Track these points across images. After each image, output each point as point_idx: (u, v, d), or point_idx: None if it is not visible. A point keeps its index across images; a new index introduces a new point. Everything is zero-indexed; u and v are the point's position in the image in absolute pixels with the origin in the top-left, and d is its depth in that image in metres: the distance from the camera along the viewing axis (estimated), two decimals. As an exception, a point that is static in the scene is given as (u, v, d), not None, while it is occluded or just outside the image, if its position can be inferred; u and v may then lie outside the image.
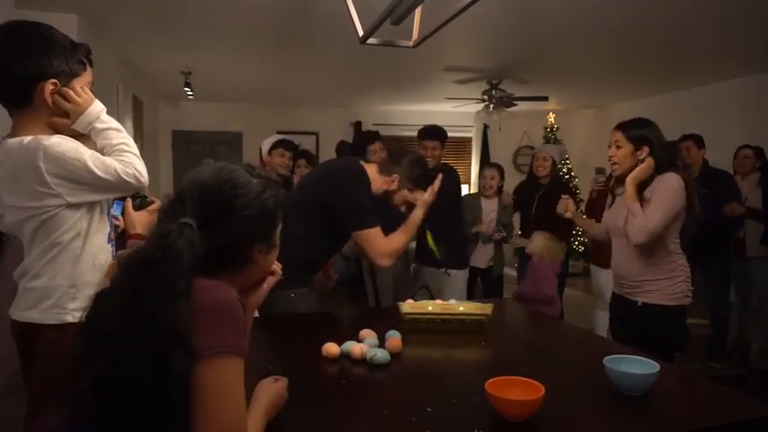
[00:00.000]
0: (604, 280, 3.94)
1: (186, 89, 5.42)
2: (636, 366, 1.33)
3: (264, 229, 1.06)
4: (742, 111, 5.27)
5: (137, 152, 1.46)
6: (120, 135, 1.46)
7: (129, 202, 1.70)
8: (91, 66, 1.49)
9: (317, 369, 1.50)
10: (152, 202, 1.75)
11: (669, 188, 2.04)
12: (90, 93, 1.45)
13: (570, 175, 7.08)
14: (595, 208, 4.05)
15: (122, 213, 1.72)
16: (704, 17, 3.55)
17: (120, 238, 1.69)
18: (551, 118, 7.39)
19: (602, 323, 4.18)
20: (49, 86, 1.34)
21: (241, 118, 7.32)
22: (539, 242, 3.26)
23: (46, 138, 1.30)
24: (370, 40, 1.83)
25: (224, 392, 0.92)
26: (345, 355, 1.54)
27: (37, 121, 1.36)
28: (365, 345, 1.56)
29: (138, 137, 5.45)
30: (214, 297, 0.93)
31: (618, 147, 2.16)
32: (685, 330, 2.26)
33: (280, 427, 1.16)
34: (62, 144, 1.31)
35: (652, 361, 1.34)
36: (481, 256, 3.99)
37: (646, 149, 2.11)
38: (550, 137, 7.32)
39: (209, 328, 0.90)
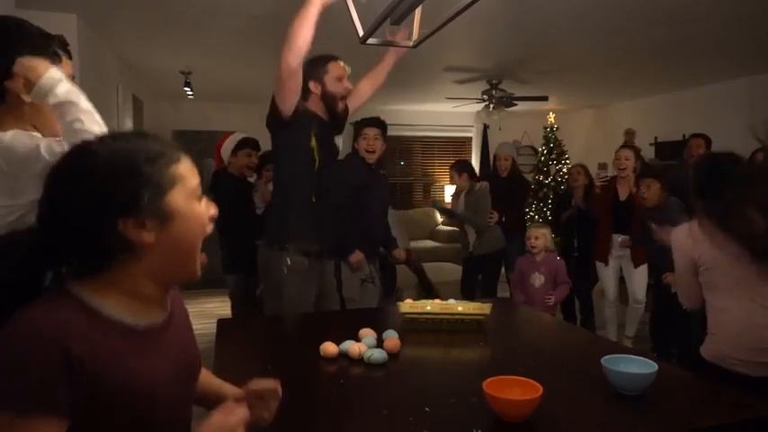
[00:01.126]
0: (606, 275, 4.11)
1: (186, 89, 5.42)
2: (634, 366, 1.33)
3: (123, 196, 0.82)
4: (742, 111, 5.27)
5: (94, 129, 1.26)
6: (74, 110, 1.27)
7: None
8: (69, 58, 1.41)
9: (315, 369, 1.50)
10: None
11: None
12: (47, 63, 1.30)
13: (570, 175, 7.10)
14: (598, 204, 4.07)
15: None
16: (704, 17, 3.55)
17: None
18: (551, 118, 7.40)
19: (610, 319, 4.25)
20: (19, 81, 1.26)
21: (241, 118, 7.32)
22: (545, 230, 3.46)
23: (2, 133, 1.24)
24: (370, 40, 1.83)
25: None
26: (344, 355, 1.54)
27: (13, 118, 1.30)
28: (363, 344, 1.56)
29: (138, 137, 5.45)
30: None
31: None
32: None
33: (279, 427, 1.16)
34: (16, 136, 1.23)
35: (650, 361, 1.34)
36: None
37: None
38: (550, 137, 7.33)
39: None
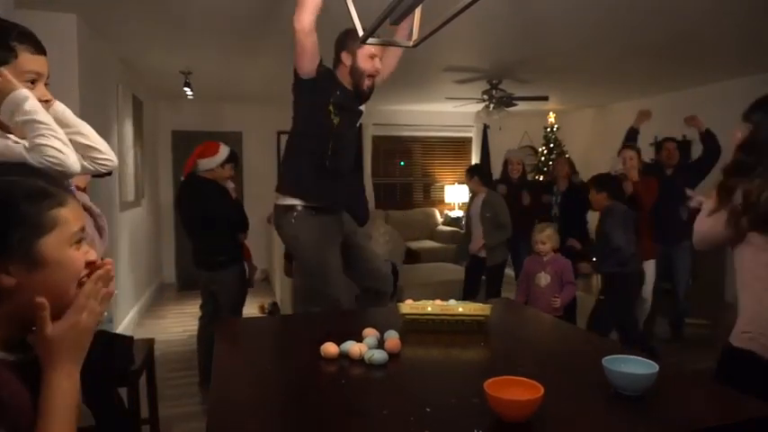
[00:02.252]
0: None
1: (186, 89, 5.43)
2: (634, 366, 1.33)
3: None
4: (742, 111, 5.27)
5: (53, 144, 1.24)
6: (39, 127, 1.23)
7: None
8: (34, 52, 1.27)
9: (315, 369, 1.50)
10: None
11: None
12: (11, 79, 1.24)
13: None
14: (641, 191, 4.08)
15: None
16: (704, 17, 3.55)
17: None
18: (551, 118, 7.40)
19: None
20: None
21: (241, 118, 7.33)
22: (551, 232, 3.51)
23: None
24: (370, 40, 1.83)
25: None
26: (344, 356, 1.54)
27: None
28: (364, 345, 1.56)
29: (138, 137, 5.45)
30: None
31: None
32: None
33: (279, 427, 1.16)
34: None
35: (650, 361, 1.34)
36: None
37: None
38: (551, 136, 7.32)
39: None
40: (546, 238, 3.44)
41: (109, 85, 4.27)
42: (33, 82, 1.25)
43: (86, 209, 1.52)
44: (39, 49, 1.28)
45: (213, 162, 3.49)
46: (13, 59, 1.24)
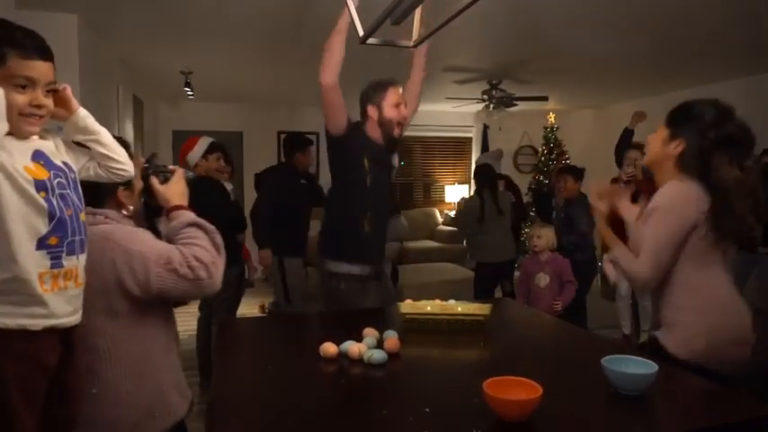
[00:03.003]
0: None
1: (186, 89, 5.42)
2: (634, 366, 1.33)
3: None
4: (742, 111, 5.23)
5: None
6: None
7: (155, 180, 1.58)
8: (29, 58, 1.21)
9: (315, 369, 1.50)
10: (172, 171, 1.62)
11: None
12: (70, 96, 1.30)
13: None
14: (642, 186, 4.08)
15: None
16: (704, 17, 3.55)
17: (152, 214, 1.64)
18: (551, 118, 7.39)
19: (623, 314, 4.31)
20: None
21: (241, 118, 7.33)
22: (546, 230, 3.53)
23: None
24: (370, 40, 1.83)
25: None
26: (344, 355, 1.54)
27: None
28: (363, 344, 1.56)
29: (138, 137, 5.46)
30: None
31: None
32: None
33: (279, 427, 1.16)
34: None
35: (650, 361, 1.34)
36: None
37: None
38: (550, 137, 7.32)
39: None
40: (542, 233, 3.45)
41: (109, 85, 4.27)
42: (24, 87, 1.23)
43: (199, 225, 1.48)
44: (37, 54, 1.23)
45: (195, 156, 3.49)
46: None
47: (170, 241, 1.46)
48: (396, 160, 2.56)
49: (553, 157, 7.22)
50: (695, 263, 1.63)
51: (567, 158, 7.12)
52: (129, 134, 5.03)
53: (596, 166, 6.41)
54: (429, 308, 1.88)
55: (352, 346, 1.54)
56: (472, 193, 4.76)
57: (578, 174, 4.25)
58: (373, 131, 2.40)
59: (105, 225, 1.44)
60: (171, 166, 1.64)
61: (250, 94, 6.57)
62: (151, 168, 1.60)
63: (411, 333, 1.78)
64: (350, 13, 1.86)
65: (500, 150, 6.25)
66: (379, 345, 1.59)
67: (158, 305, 1.46)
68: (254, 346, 1.80)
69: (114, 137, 1.45)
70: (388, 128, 2.39)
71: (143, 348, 1.43)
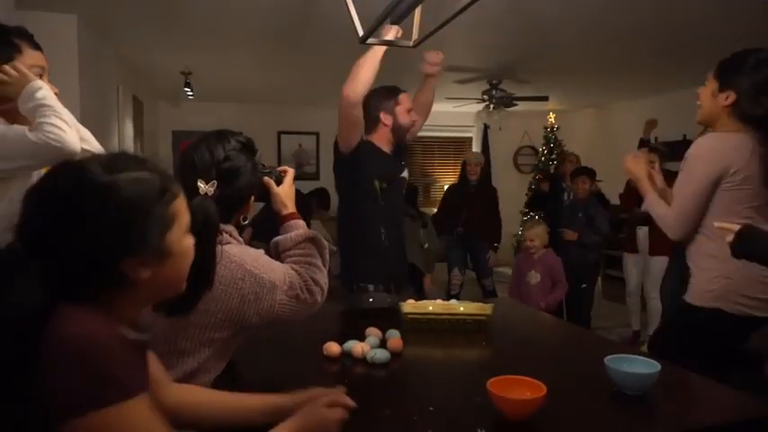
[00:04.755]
0: (628, 267, 4.38)
1: (186, 89, 5.42)
2: (636, 366, 1.33)
3: (127, 236, 0.79)
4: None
5: (53, 122, 1.31)
6: (44, 110, 1.31)
7: (271, 181, 1.43)
8: (34, 48, 1.35)
9: (318, 368, 1.50)
10: (284, 172, 1.48)
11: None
12: (25, 71, 1.31)
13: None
14: (633, 195, 4.08)
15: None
16: (704, 17, 3.55)
17: (265, 223, 1.51)
18: (551, 118, 7.39)
19: (633, 311, 4.33)
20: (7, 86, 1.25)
21: (241, 118, 7.32)
22: (541, 230, 3.55)
23: None
24: (370, 40, 1.82)
25: None
26: (347, 355, 1.54)
27: None
28: (366, 344, 1.56)
29: (138, 137, 5.45)
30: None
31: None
32: None
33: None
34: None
35: (653, 360, 1.34)
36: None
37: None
38: (551, 137, 7.32)
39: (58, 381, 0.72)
40: (534, 235, 3.47)
41: (109, 85, 4.27)
42: (41, 76, 1.28)
43: (313, 240, 1.37)
44: (36, 44, 1.33)
45: None
46: (17, 54, 1.29)
47: (278, 253, 1.36)
48: (406, 172, 2.51)
49: (553, 157, 7.21)
50: (722, 213, 1.62)
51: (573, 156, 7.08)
52: (129, 134, 5.03)
53: (596, 165, 6.40)
54: (431, 307, 1.88)
55: (355, 346, 1.54)
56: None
57: (593, 174, 4.39)
58: (382, 141, 2.34)
59: (233, 246, 1.28)
60: (280, 167, 1.51)
61: (250, 94, 6.56)
62: (260, 169, 1.40)
63: (413, 332, 1.78)
64: (350, 13, 1.86)
65: None
66: (382, 344, 1.59)
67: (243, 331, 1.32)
68: (255, 346, 1.80)
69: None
70: (401, 134, 2.36)
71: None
